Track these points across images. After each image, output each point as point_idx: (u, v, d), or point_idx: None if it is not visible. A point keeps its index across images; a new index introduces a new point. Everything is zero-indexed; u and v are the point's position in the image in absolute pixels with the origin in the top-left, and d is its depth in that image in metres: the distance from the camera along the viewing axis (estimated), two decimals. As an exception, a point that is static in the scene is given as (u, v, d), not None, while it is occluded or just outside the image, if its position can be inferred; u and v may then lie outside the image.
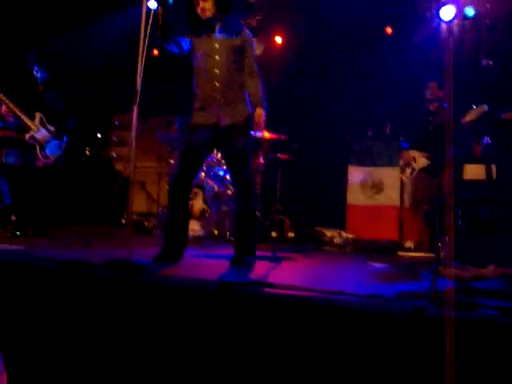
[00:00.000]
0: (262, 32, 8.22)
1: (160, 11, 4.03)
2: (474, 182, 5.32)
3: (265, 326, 2.78)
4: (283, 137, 6.83)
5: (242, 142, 4.31)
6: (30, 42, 7.33)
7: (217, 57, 4.25)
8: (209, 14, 4.22)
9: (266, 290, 3.06)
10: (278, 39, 8.63)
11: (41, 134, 5.86)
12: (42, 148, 5.86)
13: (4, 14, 7.60)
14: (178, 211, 4.36)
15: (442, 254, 4.74)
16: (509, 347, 2.32)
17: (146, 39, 4.14)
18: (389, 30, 7.95)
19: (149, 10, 4.15)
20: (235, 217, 4.57)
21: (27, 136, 5.79)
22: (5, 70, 6.81)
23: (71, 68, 7.75)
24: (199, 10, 4.21)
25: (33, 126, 5.82)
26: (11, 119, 5.74)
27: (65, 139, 6.08)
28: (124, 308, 3.16)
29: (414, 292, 3.14)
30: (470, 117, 5.20)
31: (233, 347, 2.83)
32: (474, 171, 5.43)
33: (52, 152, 5.95)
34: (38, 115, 5.89)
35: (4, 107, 5.69)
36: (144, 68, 4.17)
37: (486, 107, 5.11)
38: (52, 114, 5.99)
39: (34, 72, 6.03)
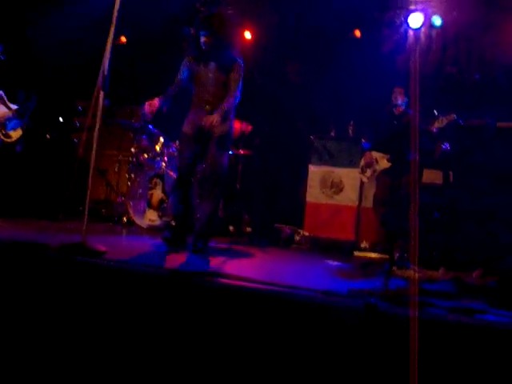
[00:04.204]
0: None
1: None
2: (431, 186, 5.41)
3: (215, 316, 2.78)
4: (249, 127, 6.87)
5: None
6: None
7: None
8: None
9: (220, 280, 3.06)
10: (248, 35, 8.61)
11: (0, 110, 5.74)
12: (2, 126, 5.73)
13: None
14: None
15: (396, 255, 4.82)
16: (453, 342, 2.38)
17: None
18: (357, 32, 8.00)
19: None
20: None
21: None
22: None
23: (35, 51, 7.59)
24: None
25: None
26: None
27: (26, 120, 5.96)
28: (77, 290, 3.13)
29: (368, 290, 3.19)
30: (438, 124, 5.24)
31: (182, 333, 2.82)
32: (431, 176, 5.52)
33: (13, 130, 5.83)
34: None
35: None
36: (111, 55, 4.10)
37: (454, 116, 5.16)
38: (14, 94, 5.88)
39: None
